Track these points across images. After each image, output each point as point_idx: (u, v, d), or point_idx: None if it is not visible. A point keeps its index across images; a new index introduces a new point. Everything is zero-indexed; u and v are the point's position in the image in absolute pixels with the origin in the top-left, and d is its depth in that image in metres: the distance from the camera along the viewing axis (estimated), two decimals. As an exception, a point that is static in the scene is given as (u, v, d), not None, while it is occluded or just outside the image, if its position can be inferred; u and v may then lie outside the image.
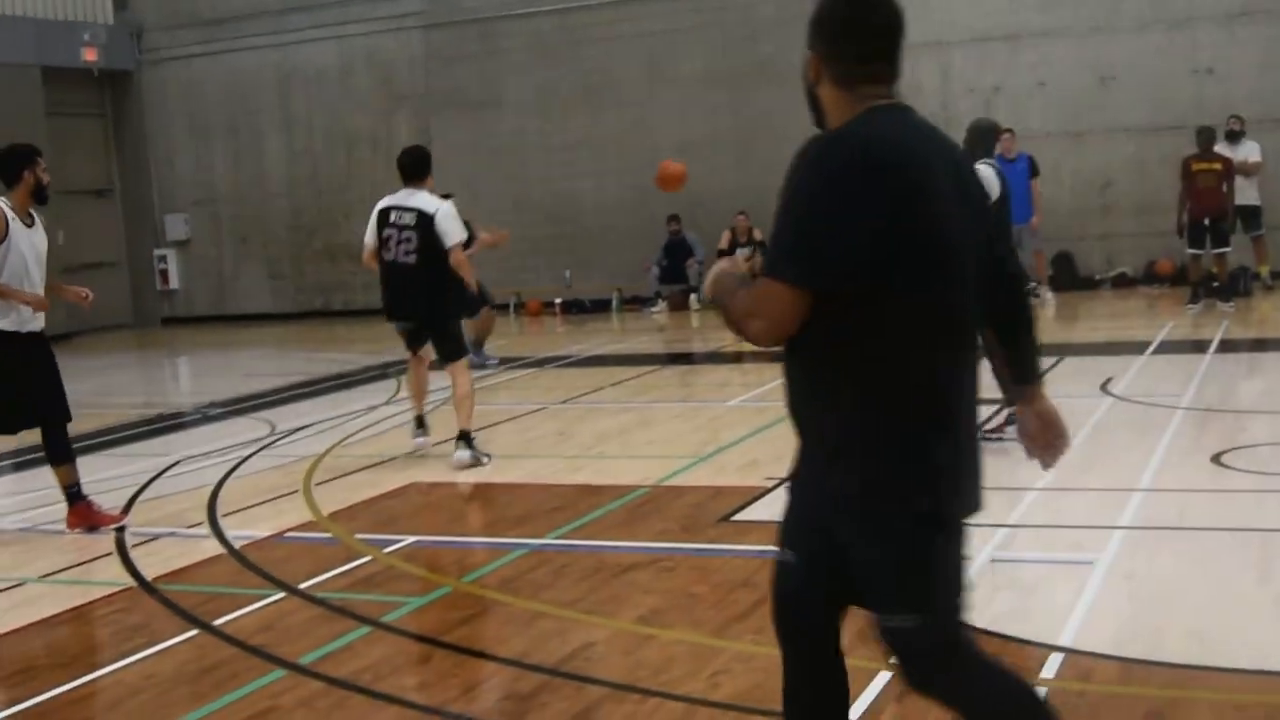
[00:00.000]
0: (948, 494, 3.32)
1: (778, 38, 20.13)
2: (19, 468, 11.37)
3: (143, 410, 14.22)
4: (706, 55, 21.86)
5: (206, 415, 13.86)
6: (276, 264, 24.84)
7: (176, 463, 10.87)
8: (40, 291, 8.48)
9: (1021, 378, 3.68)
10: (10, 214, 8.38)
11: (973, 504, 3.43)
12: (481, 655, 5.80)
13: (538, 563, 7.14)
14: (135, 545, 8.08)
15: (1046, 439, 3.67)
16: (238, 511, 8.81)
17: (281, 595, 6.78)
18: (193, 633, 6.28)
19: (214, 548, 7.95)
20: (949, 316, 3.30)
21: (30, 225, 8.52)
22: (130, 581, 7.28)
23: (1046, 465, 3.74)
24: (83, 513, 8.61)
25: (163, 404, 15.39)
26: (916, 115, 3.41)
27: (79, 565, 7.78)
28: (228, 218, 25.48)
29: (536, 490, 8.99)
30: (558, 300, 22.63)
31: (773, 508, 8.01)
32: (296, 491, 9.32)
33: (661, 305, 21.48)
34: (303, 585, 6.89)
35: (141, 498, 9.49)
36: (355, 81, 24.28)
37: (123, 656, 6.01)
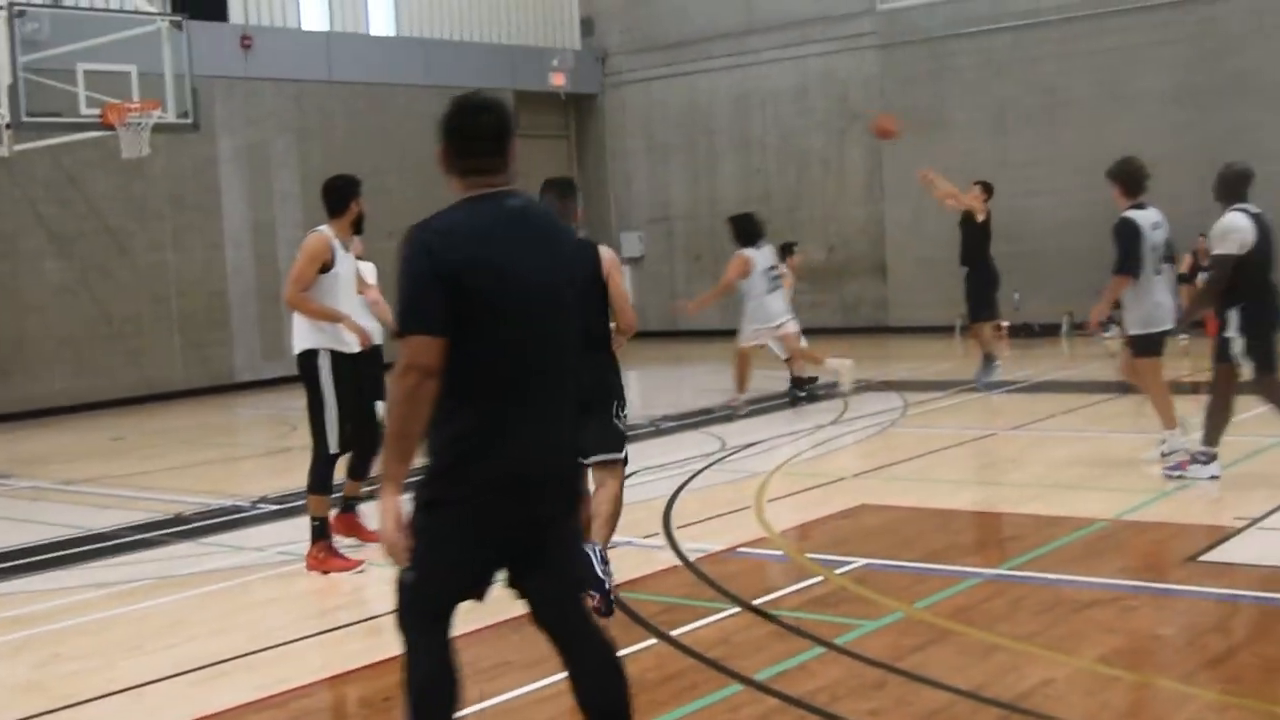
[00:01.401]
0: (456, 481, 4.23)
1: (1253, 51, 19.08)
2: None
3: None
4: (1167, 70, 20.97)
5: (659, 428, 14.29)
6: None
7: (632, 474, 11.23)
8: (348, 311, 8.68)
9: None
10: (335, 241, 8.64)
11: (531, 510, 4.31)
12: (936, 685, 5.73)
13: (993, 593, 7.01)
14: (597, 552, 8.40)
15: None
16: (691, 525, 9.04)
17: (736, 610, 6.91)
18: (651, 641, 6.48)
19: (669, 559, 8.19)
20: (509, 351, 4.22)
21: (346, 251, 8.79)
22: (593, 587, 7.58)
23: None
24: (349, 522, 9.07)
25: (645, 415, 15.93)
26: (512, 200, 4.37)
27: (545, 568, 8.14)
28: (681, 235, 26.25)
29: (989, 518, 8.84)
30: (1005, 323, 22.13)
31: (1245, 549, 7.66)
32: (748, 508, 9.49)
33: (1115, 331, 20.63)
34: (756, 601, 7.00)
35: (601, 506, 9.86)
36: (810, 102, 24.57)
37: (587, 660, 6.26)
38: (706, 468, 11.30)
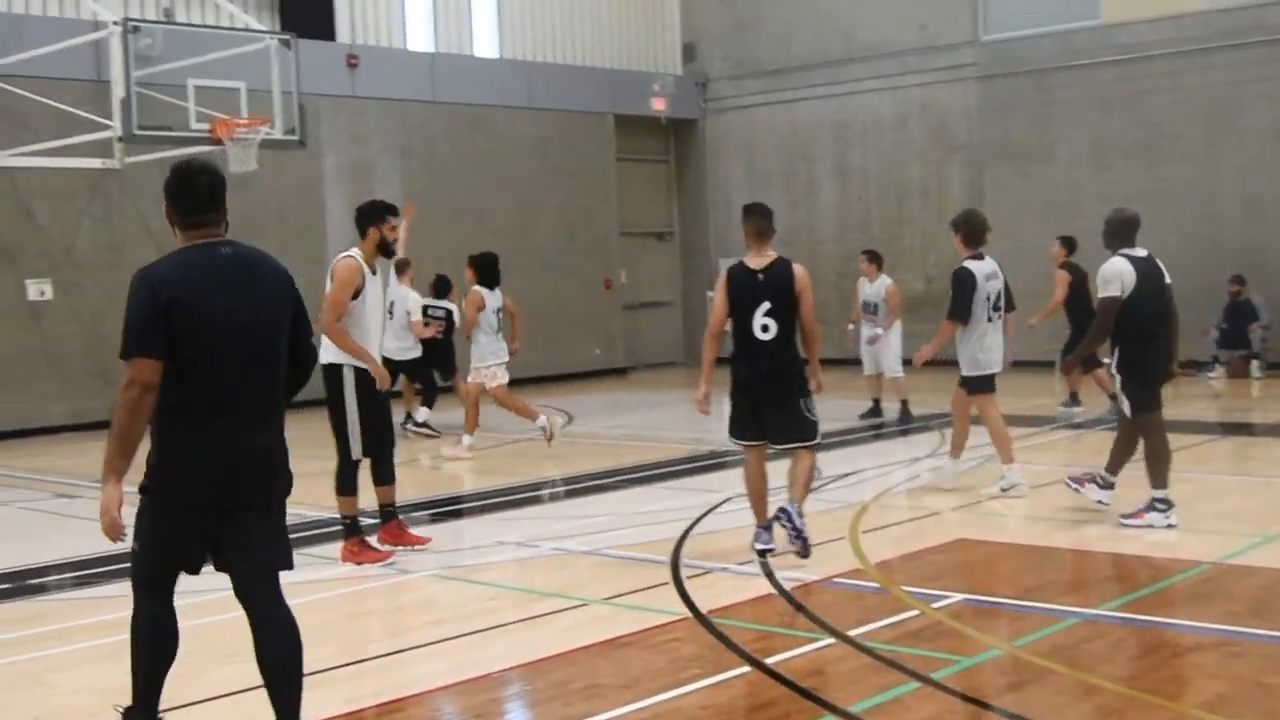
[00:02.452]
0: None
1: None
2: (581, 492, 12.08)
3: (692, 446, 14.74)
4: (1274, 107, 20.63)
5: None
6: (823, 309, 25.06)
7: (726, 500, 11.23)
8: (376, 335, 9.50)
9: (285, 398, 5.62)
10: (363, 264, 9.25)
11: (228, 498, 5.31)
12: (1034, 725, 5.66)
13: (1092, 634, 6.90)
14: (690, 577, 8.40)
15: None
16: (786, 553, 8.98)
17: (830, 641, 6.86)
18: (745, 669, 6.45)
19: (764, 586, 8.16)
20: (210, 370, 5.19)
21: (374, 274, 9.38)
22: (685, 612, 7.57)
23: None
24: (394, 530, 9.60)
25: (711, 441, 15.90)
26: (223, 249, 5.33)
27: (639, 591, 8.16)
28: (777, 263, 26.16)
29: (1089, 556, 8.72)
30: (1107, 360, 21.83)
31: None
32: (843, 538, 9.43)
33: (1219, 371, 20.33)
34: (851, 632, 6.95)
35: (695, 531, 9.86)
36: (909, 132, 24.45)
37: (681, 684, 6.25)
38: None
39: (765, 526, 9.00)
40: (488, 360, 14.44)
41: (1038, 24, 23.00)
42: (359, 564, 9.18)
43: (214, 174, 5.45)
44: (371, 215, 9.47)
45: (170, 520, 5.36)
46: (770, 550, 8.85)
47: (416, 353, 16.12)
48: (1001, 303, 11.26)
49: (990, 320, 11.07)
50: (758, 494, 9.08)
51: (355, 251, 9.39)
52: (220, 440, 5.24)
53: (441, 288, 17.29)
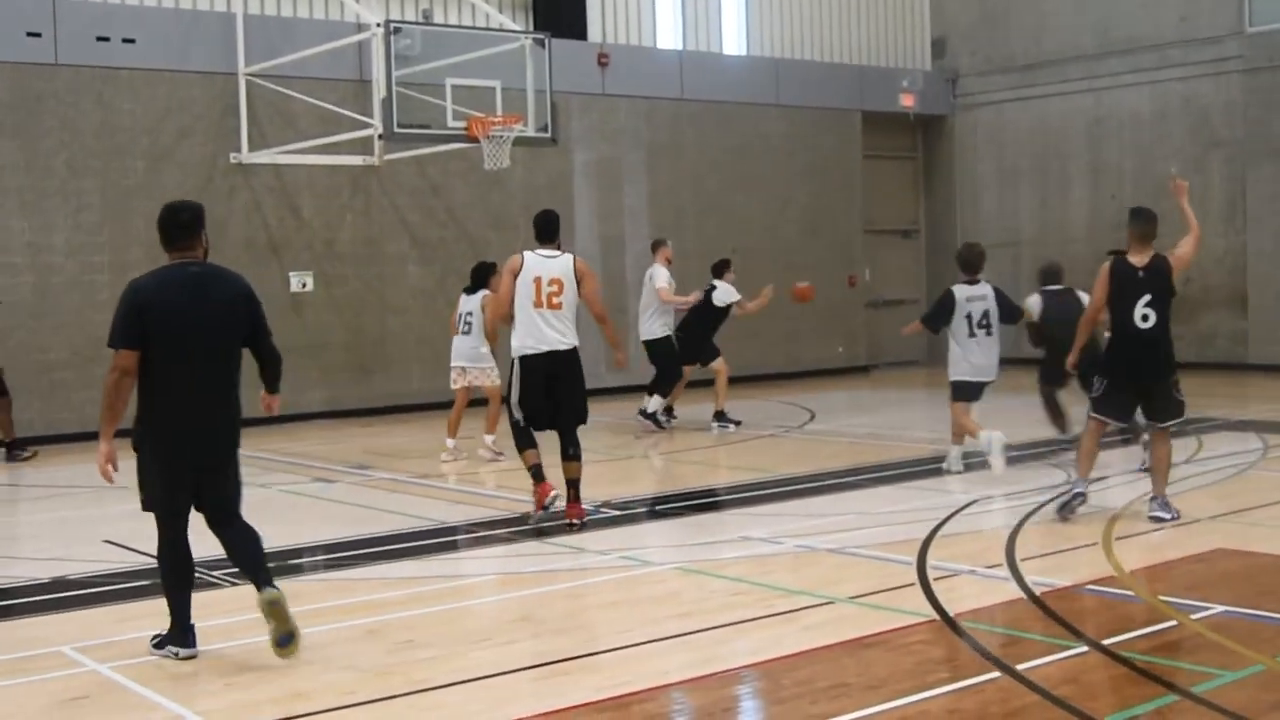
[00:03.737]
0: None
1: None
2: (824, 490, 12.03)
3: (936, 447, 14.52)
4: None
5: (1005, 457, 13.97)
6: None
7: (973, 501, 11.04)
8: None
9: (270, 390, 7.61)
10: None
11: (196, 459, 7.08)
12: (1302, 744, 5.43)
13: (1364, 651, 6.59)
14: (937, 579, 8.28)
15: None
16: (1036, 557, 8.81)
17: (1084, 649, 6.69)
18: (995, 674, 6.33)
19: (1013, 591, 7.99)
20: (175, 359, 6.91)
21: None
22: (933, 614, 7.47)
23: None
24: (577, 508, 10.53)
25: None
26: (193, 267, 7.05)
27: (884, 591, 8.08)
28: (1029, 261, 25.56)
29: (1360, 572, 8.31)
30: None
31: None
32: (1096, 544, 9.18)
33: None
34: (1106, 641, 6.76)
35: (941, 533, 9.72)
36: (1168, 127, 23.63)
37: (928, 687, 6.17)
38: (1051, 500, 10.97)
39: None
40: (480, 362, 14.55)
41: (1308, 13, 22.01)
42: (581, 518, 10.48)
43: (194, 210, 7.19)
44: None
45: (158, 473, 7.02)
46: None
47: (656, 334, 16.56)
48: (989, 320, 12.68)
49: (972, 335, 12.67)
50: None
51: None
52: (185, 414, 6.97)
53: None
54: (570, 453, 10.64)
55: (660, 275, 16.62)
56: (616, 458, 14.97)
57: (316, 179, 19.23)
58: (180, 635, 7.06)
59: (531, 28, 20.21)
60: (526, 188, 20.92)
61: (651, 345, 16.76)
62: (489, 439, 14.56)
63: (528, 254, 10.75)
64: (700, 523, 11.09)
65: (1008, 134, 25.95)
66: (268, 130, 18.76)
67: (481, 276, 14.57)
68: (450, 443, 14.59)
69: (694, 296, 16.74)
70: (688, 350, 16.80)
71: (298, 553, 9.96)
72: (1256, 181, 21.94)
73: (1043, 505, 10.73)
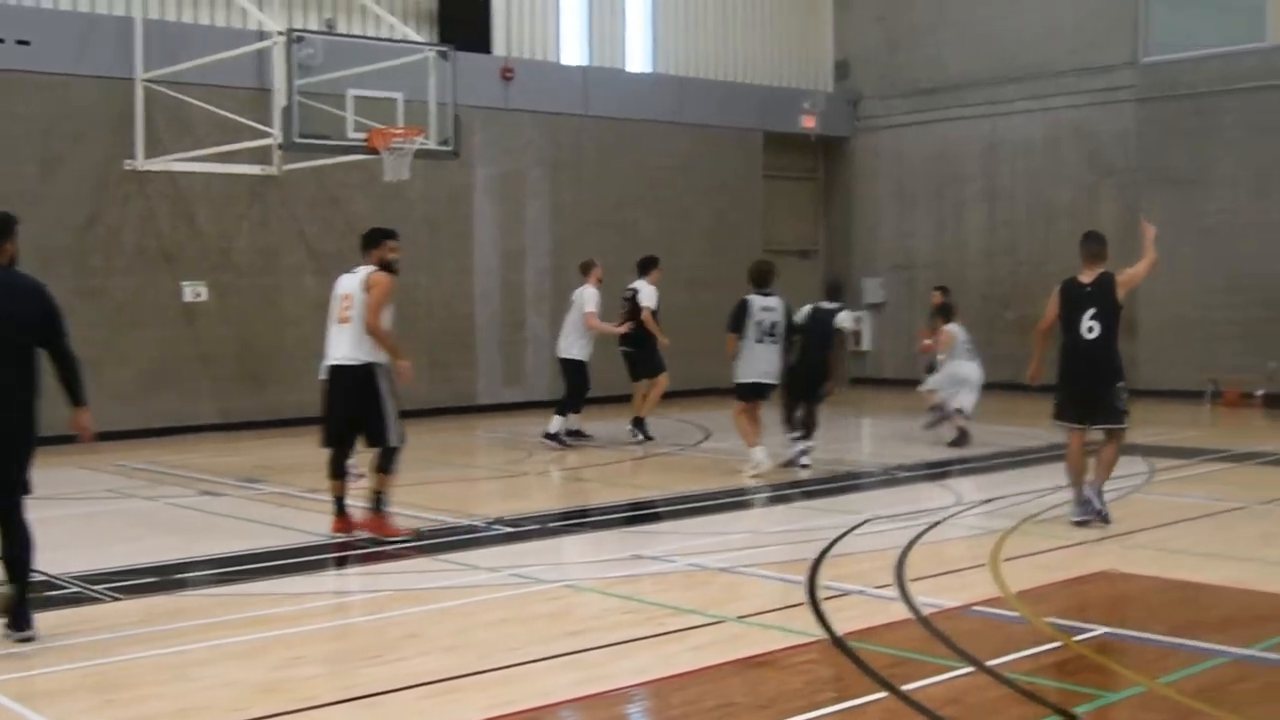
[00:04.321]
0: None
1: None
2: (717, 509, 12.06)
3: (832, 466, 14.65)
4: None
5: (894, 478, 14.12)
6: (968, 332, 24.77)
7: (865, 522, 11.13)
8: None
9: (72, 400, 7.74)
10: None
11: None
12: (1179, 765, 5.52)
13: (1240, 675, 6.71)
14: (826, 599, 8.33)
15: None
16: (925, 578, 8.89)
17: (969, 670, 6.75)
18: (881, 695, 6.37)
19: (901, 611, 8.06)
20: None
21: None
22: (822, 634, 7.51)
23: None
24: (379, 520, 10.54)
25: (851, 462, 15.81)
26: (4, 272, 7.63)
27: (774, 611, 8.12)
28: (923, 284, 25.86)
29: (1239, 594, 8.47)
30: (1259, 391, 21.29)
31: None
32: (984, 565, 9.29)
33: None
34: (991, 662, 6.83)
35: (832, 552, 9.78)
36: (1061, 154, 24.03)
37: (816, 707, 6.20)
38: (942, 521, 11.10)
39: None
40: None
41: (1200, 46, 22.49)
42: (383, 535, 10.45)
43: (6, 220, 7.74)
44: (375, 239, 10.87)
45: None
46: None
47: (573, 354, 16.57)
48: (776, 331, 13.99)
49: (760, 342, 13.98)
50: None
51: (373, 266, 10.71)
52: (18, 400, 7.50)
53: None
54: (378, 464, 10.66)
55: (589, 299, 16.61)
56: (510, 474, 14.92)
57: (213, 187, 18.97)
58: None
59: (436, 40, 20.10)
60: (427, 201, 20.81)
61: (567, 364, 16.75)
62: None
63: (343, 274, 10.87)
64: (593, 540, 11.08)
65: (906, 157, 26.24)
66: (165, 137, 18.48)
67: None
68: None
69: (623, 327, 16.75)
70: (646, 366, 16.85)
71: (183, 567, 9.80)
72: (1148, 210, 22.29)
73: (932, 526, 10.85)
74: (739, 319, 14.01)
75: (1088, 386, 10.92)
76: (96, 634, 7.59)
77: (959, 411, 16.54)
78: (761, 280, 14.21)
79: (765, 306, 14.07)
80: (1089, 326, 10.87)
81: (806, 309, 14.59)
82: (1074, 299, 11.02)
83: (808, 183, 27.50)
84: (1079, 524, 10.69)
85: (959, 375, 16.82)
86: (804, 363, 14.37)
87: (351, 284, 10.66)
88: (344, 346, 10.58)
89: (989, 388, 17.54)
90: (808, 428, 14.56)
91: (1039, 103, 24.21)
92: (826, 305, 14.63)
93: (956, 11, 25.49)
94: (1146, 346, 22.56)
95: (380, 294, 10.49)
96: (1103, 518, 10.73)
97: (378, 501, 10.62)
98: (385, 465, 10.59)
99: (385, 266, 10.72)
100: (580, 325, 16.60)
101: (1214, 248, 21.83)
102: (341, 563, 10.17)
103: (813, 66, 27.02)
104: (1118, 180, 23.28)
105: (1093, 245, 11.28)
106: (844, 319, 14.66)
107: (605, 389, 18.36)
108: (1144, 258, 11.38)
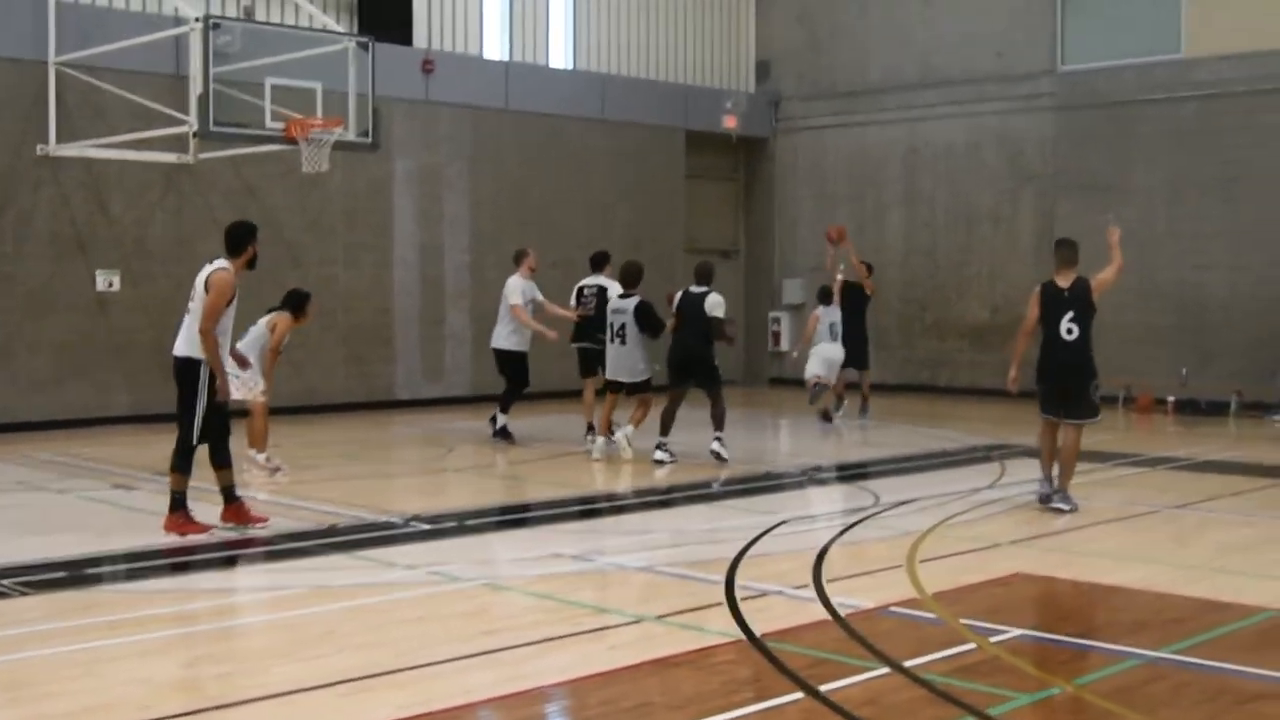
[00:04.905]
0: None
1: None
2: (636, 508, 12.04)
3: (750, 467, 14.68)
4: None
5: (812, 479, 14.18)
6: (885, 335, 24.96)
7: (783, 522, 11.15)
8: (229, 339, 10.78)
9: None
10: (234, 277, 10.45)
11: None
12: (1093, 767, 5.56)
13: (1153, 676, 6.78)
14: (744, 599, 8.32)
15: None
16: (843, 579, 8.92)
17: (885, 670, 6.77)
18: (798, 695, 6.37)
19: (819, 612, 8.07)
20: None
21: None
22: (739, 634, 7.50)
23: None
24: (237, 510, 10.67)
25: (769, 463, 15.85)
26: None
27: (692, 610, 8.10)
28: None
29: (1152, 598, 8.57)
30: (1171, 397, 21.60)
31: None
32: (900, 566, 9.33)
33: (1286, 414, 20.06)
34: (907, 663, 6.86)
35: (750, 553, 9.78)
36: (982, 159, 24.26)
37: (733, 707, 6.18)
38: (859, 523, 11.15)
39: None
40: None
41: (1117, 56, 22.78)
42: (183, 535, 10.30)
43: None
44: (250, 233, 10.74)
45: None
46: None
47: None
48: (625, 331, 14.87)
49: (611, 341, 15.09)
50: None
51: (227, 264, 10.50)
52: None
53: None
54: (171, 461, 10.59)
55: (513, 290, 16.37)
56: (428, 470, 14.81)
57: (128, 175, 18.68)
58: None
59: (356, 30, 19.93)
60: (345, 193, 20.63)
61: (501, 355, 16.55)
62: (260, 456, 14.02)
63: (205, 263, 10.81)
64: (511, 538, 11.02)
65: (827, 159, 26.37)
66: (78, 122, 18.16)
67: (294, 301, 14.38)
68: (259, 456, 14.09)
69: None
70: (593, 364, 16.43)
71: (94, 561, 9.63)
72: (1065, 215, 22.59)
73: (850, 527, 10.90)
74: (601, 320, 15.27)
75: (1066, 384, 11.67)
76: (2, 630, 7.42)
77: (817, 378, 17.95)
78: (624, 282, 15.24)
79: (617, 308, 15.12)
80: (1068, 329, 11.61)
81: (677, 295, 15.09)
82: (1053, 302, 11.72)
83: (729, 183, 27.55)
84: (1042, 501, 11.71)
85: (826, 356, 18.20)
86: (678, 348, 14.89)
87: (200, 277, 10.55)
88: (180, 339, 10.51)
89: (908, 389, 17.68)
90: (716, 420, 14.64)
91: (960, 108, 24.43)
92: (695, 290, 14.95)
93: (878, 15, 25.65)
94: (1060, 351, 22.78)
95: (216, 296, 10.32)
96: (1069, 503, 11.58)
97: (176, 502, 10.51)
98: (177, 463, 10.48)
99: (251, 264, 10.72)
100: (508, 316, 16.45)
101: (1129, 254, 21.59)
102: (256, 559, 10.03)
103: (734, 66, 27.10)
104: (1037, 186, 23.54)
105: (1066, 251, 12.00)
106: (713, 304, 14.79)
107: (545, 385, 18.22)
108: (1111, 263, 12.01)
